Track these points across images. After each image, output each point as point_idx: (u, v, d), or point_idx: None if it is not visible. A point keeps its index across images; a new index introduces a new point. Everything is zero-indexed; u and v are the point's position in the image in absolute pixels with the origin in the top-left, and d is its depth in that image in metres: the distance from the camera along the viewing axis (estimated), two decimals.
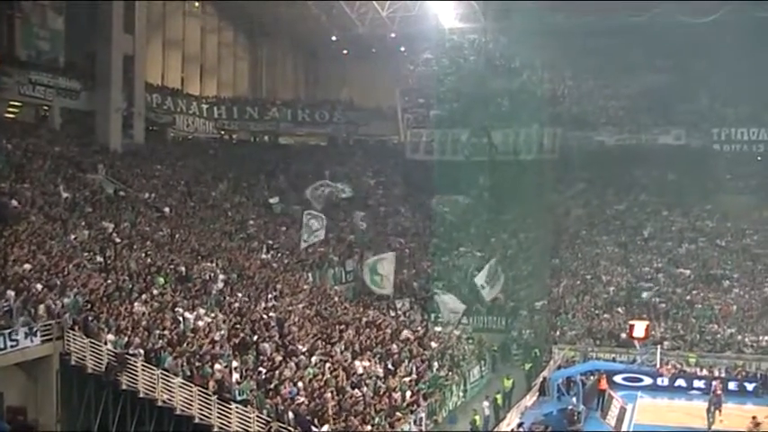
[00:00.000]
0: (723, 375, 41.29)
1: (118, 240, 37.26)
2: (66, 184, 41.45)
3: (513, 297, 51.64)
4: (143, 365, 27.68)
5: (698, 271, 53.13)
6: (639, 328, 39.64)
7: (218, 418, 26.76)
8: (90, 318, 28.82)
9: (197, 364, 28.33)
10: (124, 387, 27.82)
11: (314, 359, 31.98)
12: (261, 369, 29.67)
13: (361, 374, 32.24)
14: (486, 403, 35.65)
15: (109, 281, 32.15)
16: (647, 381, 41.48)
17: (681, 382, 41.63)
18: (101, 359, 27.94)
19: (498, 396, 37.16)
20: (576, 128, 64.41)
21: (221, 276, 38.21)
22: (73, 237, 35.46)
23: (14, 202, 35.92)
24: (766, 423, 32.18)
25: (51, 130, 48.79)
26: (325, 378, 30.37)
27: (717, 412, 34.85)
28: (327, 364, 31.87)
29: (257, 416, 26.52)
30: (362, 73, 74.67)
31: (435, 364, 37.54)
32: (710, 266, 53.51)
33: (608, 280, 52.83)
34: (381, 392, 31.17)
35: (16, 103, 48.79)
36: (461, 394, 38.69)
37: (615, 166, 63.52)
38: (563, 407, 35.06)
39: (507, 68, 69.18)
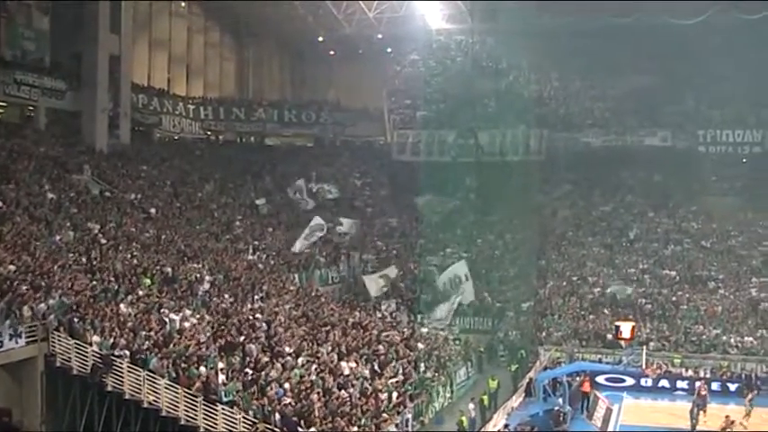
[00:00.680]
0: (708, 376, 41.47)
1: (103, 241, 37.16)
2: (51, 184, 41.34)
3: (500, 298, 51.67)
4: (129, 367, 27.59)
5: (683, 272, 53.31)
6: (625, 329, 39.72)
7: (204, 419, 26.69)
8: (75, 319, 28.73)
9: (183, 365, 28.26)
10: (110, 388, 27.73)
11: (300, 360, 31.95)
12: (247, 370, 29.62)
13: (348, 375, 32.22)
14: (471, 405, 35.68)
15: (94, 282, 32.07)
16: (630, 381, 41.62)
17: (664, 383, 41.83)
18: (86, 361, 27.84)
19: (484, 397, 37.16)
20: (562, 129, 64.60)
21: (207, 277, 38.14)
22: (58, 238, 35.35)
23: None
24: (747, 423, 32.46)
25: (36, 131, 48.59)
26: (311, 379, 30.34)
27: (701, 413, 34.98)
28: (314, 366, 31.85)
29: (243, 417, 26.45)
30: (349, 74, 74.63)
31: (422, 365, 37.54)
32: (696, 268, 53.70)
33: (594, 281, 52.95)
34: (368, 393, 31.14)
35: (1, 104, 48.66)
36: (448, 395, 38.67)
37: (601, 167, 63.70)
38: (549, 408, 35.11)
39: (494, 70, 69.35)
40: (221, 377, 28.28)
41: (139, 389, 27.47)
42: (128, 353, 28.09)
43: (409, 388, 34.04)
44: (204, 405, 26.74)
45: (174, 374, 27.77)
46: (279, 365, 30.56)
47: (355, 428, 27.97)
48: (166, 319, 31.32)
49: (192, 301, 34.74)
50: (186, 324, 31.77)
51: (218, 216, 50.89)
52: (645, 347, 42.98)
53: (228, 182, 57.80)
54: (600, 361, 43.71)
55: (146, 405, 27.49)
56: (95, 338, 28.26)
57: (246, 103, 69.39)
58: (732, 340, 45.45)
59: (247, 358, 30.76)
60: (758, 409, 35.51)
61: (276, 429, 26.31)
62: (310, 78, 77.63)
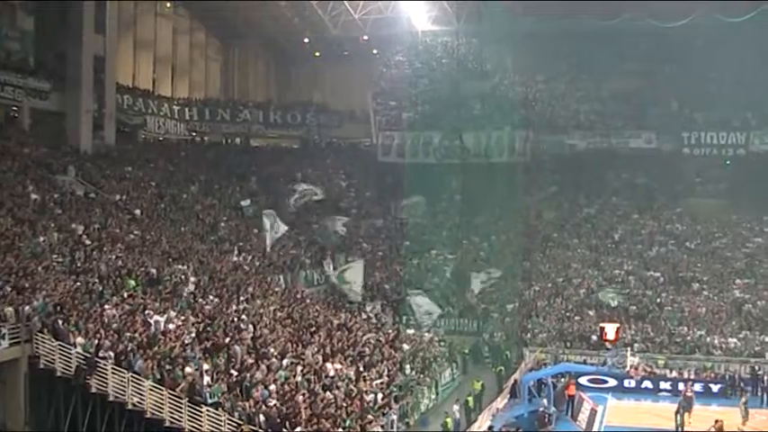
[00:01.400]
0: (692, 377, 41.63)
1: (88, 242, 37.02)
2: (35, 185, 41.15)
3: (485, 300, 51.75)
4: (113, 368, 27.49)
5: (668, 274, 53.52)
6: (610, 331, 39.91)
7: (189, 420, 26.61)
8: (59, 321, 28.60)
9: (168, 366, 28.18)
10: (94, 390, 27.62)
11: (285, 362, 31.89)
12: (232, 372, 29.56)
13: (333, 377, 32.21)
14: (456, 406, 35.70)
15: (78, 283, 31.96)
16: (613, 383, 41.76)
17: (648, 384, 41.97)
18: (70, 362, 27.72)
19: (470, 398, 37.20)
20: (547, 131, 64.68)
21: (192, 279, 38.04)
22: (42, 239, 35.19)
23: None
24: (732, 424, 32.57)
25: (20, 131, 48.35)
26: (296, 381, 30.32)
27: (686, 414, 35.10)
28: (299, 367, 31.82)
29: (228, 419, 26.41)
30: (335, 75, 74.71)
31: (407, 366, 37.56)
32: (680, 269, 53.91)
33: (579, 283, 53.08)
34: (353, 395, 31.13)
35: None
36: (433, 397, 38.64)
37: (586, 169, 63.89)
38: (534, 409, 35.22)
39: (479, 71, 69.54)
40: (206, 379, 28.20)
41: (124, 390, 27.36)
42: (112, 354, 27.99)
43: (394, 389, 34.07)
44: (189, 406, 26.66)
45: (158, 376, 27.69)
46: (264, 367, 30.51)
47: (340, 430, 27.97)
48: (151, 321, 31.20)
49: (177, 302, 34.62)
50: (171, 325, 31.65)
51: (203, 217, 50.77)
52: (629, 349, 43.18)
53: (214, 183, 57.67)
54: (585, 362, 43.82)
55: (130, 407, 27.39)
56: (79, 340, 28.16)
57: (232, 105, 69.20)
58: (716, 341, 45.66)
59: (232, 360, 30.70)
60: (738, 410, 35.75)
61: (261, 431, 26.28)
62: (296, 80, 77.48)
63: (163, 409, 27.02)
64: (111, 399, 27.56)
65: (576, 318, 48.96)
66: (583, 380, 40.87)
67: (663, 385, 41.85)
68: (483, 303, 51.38)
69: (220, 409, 26.72)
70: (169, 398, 26.93)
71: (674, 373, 42.56)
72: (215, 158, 63.08)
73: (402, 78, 70.36)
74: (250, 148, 70.24)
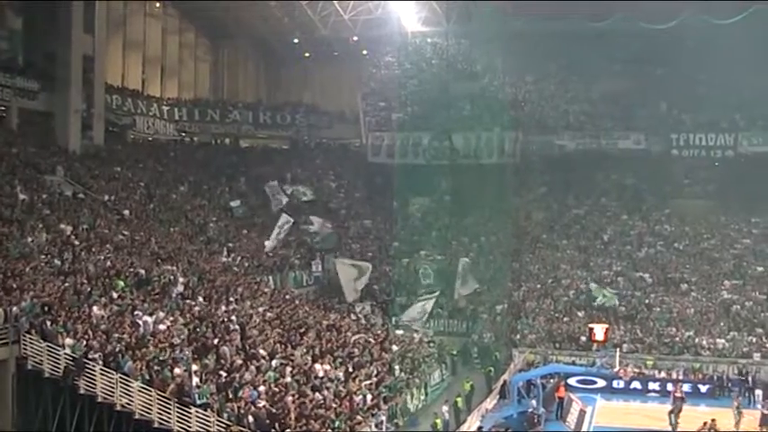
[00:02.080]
0: (681, 378, 41.78)
1: (76, 243, 36.88)
2: (23, 185, 40.98)
3: (474, 300, 51.80)
4: (101, 370, 27.38)
5: (656, 274, 53.67)
6: (599, 332, 39.98)
7: (178, 422, 26.52)
8: (47, 321, 28.48)
9: (156, 367, 28.09)
10: (82, 391, 27.49)
11: (274, 362, 31.83)
12: (221, 372, 29.47)
13: (322, 378, 32.19)
14: (445, 407, 35.74)
15: (67, 284, 31.79)
16: (602, 383, 41.85)
17: (636, 385, 42.11)
18: (58, 363, 27.60)
19: (459, 399, 37.26)
20: (537, 132, 64.66)
21: (181, 279, 37.90)
22: (30, 239, 35.03)
23: None
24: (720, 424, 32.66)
25: (9, 131, 48.14)
26: (285, 381, 30.27)
27: (674, 414, 35.21)
28: (288, 368, 31.76)
29: (217, 420, 26.31)
30: (324, 76, 74.62)
31: (396, 367, 37.56)
32: (669, 270, 54.07)
33: (568, 284, 53.16)
34: (342, 396, 31.12)
35: None
36: (422, 397, 38.69)
37: (576, 170, 63.94)
38: (523, 410, 35.33)
39: (469, 72, 69.50)
40: (195, 379, 28.09)
41: (112, 391, 27.25)
42: (101, 355, 27.89)
43: (383, 390, 34.05)
44: (178, 408, 26.58)
45: (147, 377, 27.59)
46: (253, 368, 30.45)
47: (329, 431, 27.93)
48: (140, 322, 31.09)
49: (166, 303, 34.53)
50: (160, 326, 31.55)
51: (193, 218, 50.71)
52: (618, 349, 43.28)
53: (203, 183, 57.62)
54: (574, 363, 43.91)
55: (119, 408, 27.29)
56: (68, 341, 28.03)
57: (221, 105, 69.09)
58: (704, 342, 45.82)
59: (221, 360, 30.62)
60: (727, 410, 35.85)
61: None
62: (285, 80, 77.36)
63: (151, 410, 26.93)
64: (99, 400, 27.44)
65: (565, 319, 49.08)
66: (572, 380, 41.01)
67: (651, 386, 42.07)
68: (472, 304, 51.42)
69: (209, 410, 26.62)
70: (158, 399, 26.85)
71: (663, 374, 42.73)
72: (204, 159, 62.98)
73: (392, 79, 70.33)
74: (239, 149, 70.11)
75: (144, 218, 46.37)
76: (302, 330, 37.49)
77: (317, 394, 30.12)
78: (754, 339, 45.94)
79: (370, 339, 40.03)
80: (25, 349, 27.80)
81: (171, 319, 32.85)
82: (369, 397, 32.33)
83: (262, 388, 28.79)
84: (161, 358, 28.74)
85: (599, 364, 39.49)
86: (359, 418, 29.92)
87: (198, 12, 67.43)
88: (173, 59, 68.89)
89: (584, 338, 44.86)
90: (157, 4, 65.99)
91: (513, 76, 69.47)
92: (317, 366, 33.05)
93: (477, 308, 51.23)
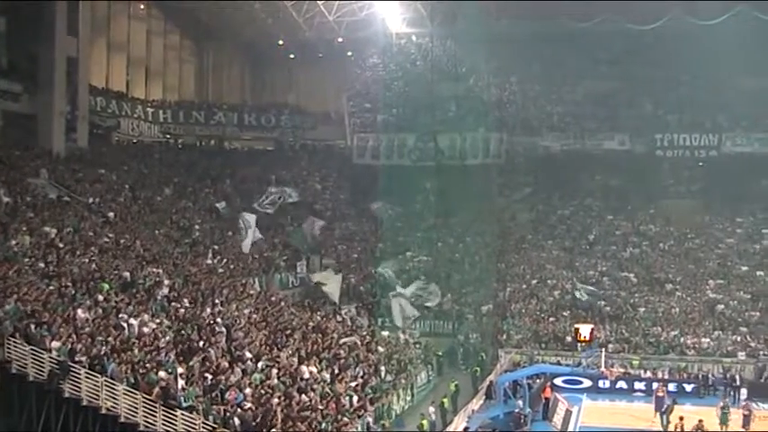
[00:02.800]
0: (666, 377, 41.93)
1: (61, 246, 36.62)
2: (7, 188, 40.66)
3: (460, 301, 51.88)
4: (86, 373, 27.24)
5: (641, 274, 53.93)
6: (584, 332, 40.01)
7: (164, 424, 26.40)
8: (32, 325, 28.30)
9: (141, 370, 27.96)
10: (67, 395, 27.32)
11: (260, 365, 31.77)
12: (207, 375, 29.36)
13: (308, 379, 32.12)
14: (432, 408, 35.74)
15: (51, 287, 31.60)
16: (588, 383, 41.95)
17: (622, 384, 42.22)
18: (43, 367, 27.42)
19: (445, 400, 37.24)
20: (521, 133, 64.85)
21: (166, 282, 37.72)
22: (14, 242, 34.77)
23: None
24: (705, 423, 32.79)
25: None
26: (271, 384, 30.21)
27: (664, 414, 35.32)
28: (274, 370, 31.68)
29: (203, 422, 26.22)
30: (309, 77, 74.54)
31: (382, 368, 37.55)
32: (654, 270, 54.35)
33: (554, 284, 53.28)
34: (328, 397, 31.08)
35: None
36: (408, 399, 38.73)
37: (561, 170, 64.21)
38: (510, 410, 35.31)
39: (454, 73, 69.54)
40: (180, 382, 27.97)
41: (97, 395, 27.08)
42: (86, 359, 27.74)
43: (370, 392, 34.05)
44: (163, 410, 26.46)
45: (132, 380, 27.46)
46: (239, 370, 30.37)
47: None
48: (125, 325, 30.93)
49: (151, 305, 34.38)
50: (145, 329, 31.40)
51: (178, 220, 50.49)
52: (604, 349, 43.35)
53: (188, 186, 57.43)
54: (559, 363, 43.99)
55: (104, 411, 27.14)
56: (55, 344, 27.83)
57: (206, 107, 69.00)
58: (689, 342, 46.03)
59: (207, 363, 30.51)
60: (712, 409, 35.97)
61: None
62: (270, 82, 77.30)
63: (137, 413, 26.79)
64: (84, 403, 27.27)
65: (551, 319, 49.23)
66: (558, 380, 41.14)
67: (637, 386, 42.22)
68: (458, 305, 51.47)
69: (195, 412, 26.51)
70: (143, 402, 26.73)
71: (649, 374, 42.87)
72: (189, 161, 62.83)
73: (376, 80, 70.41)
74: (224, 151, 70.01)
75: (129, 220, 46.13)
76: (288, 332, 37.44)
77: (304, 396, 30.09)
78: (739, 338, 46.27)
79: (358, 342, 39.99)
80: (9, 353, 27.58)
81: (156, 321, 32.70)
82: (355, 398, 32.34)
83: (248, 390, 28.72)
84: (146, 361, 28.61)
85: (585, 364, 39.57)
86: (345, 419, 29.91)
87: (182, 13, 67.28)
88: (157, 61, 68.67)
89: (569, 338, 44.97)
90: (142, 6, 65.76)
91: (498, 78, 69.58)
92: (304, 368, 32.99)
93: (462, 309, 51.28)
